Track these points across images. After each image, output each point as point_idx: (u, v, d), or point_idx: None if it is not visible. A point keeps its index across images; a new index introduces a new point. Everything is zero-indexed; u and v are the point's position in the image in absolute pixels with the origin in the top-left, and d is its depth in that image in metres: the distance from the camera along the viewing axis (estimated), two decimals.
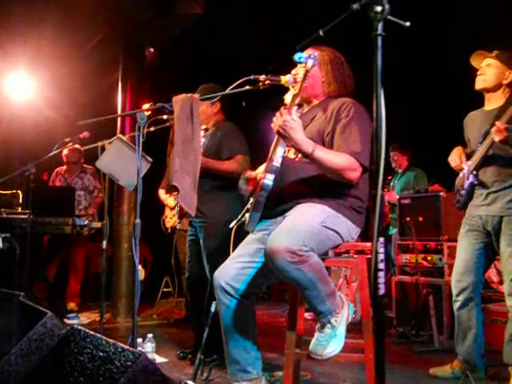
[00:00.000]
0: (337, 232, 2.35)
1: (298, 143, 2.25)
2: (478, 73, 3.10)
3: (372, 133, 2.35)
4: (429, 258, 4.44)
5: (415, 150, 5.80)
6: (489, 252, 3.08)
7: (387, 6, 1.35)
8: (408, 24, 1.37)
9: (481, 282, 3.12)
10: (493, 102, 3.11)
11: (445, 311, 4.12)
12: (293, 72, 2.62)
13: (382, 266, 1.27)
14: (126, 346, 1.74)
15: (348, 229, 2.42)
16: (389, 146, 6.00)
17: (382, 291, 1.25)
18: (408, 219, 4.51)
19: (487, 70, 3.06)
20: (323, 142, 2.44)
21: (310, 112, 2.63)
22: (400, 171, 5.79)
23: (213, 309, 2.89)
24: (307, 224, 2.24)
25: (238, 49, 5.77)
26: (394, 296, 4.63)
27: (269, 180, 2.36)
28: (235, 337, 2.45)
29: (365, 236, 2.57)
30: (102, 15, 5.35)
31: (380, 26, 1.35)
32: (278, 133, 2.27)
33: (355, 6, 1.38)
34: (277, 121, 2.27)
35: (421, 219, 4.48)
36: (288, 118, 2.23)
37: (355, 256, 2.50)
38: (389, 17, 1.36)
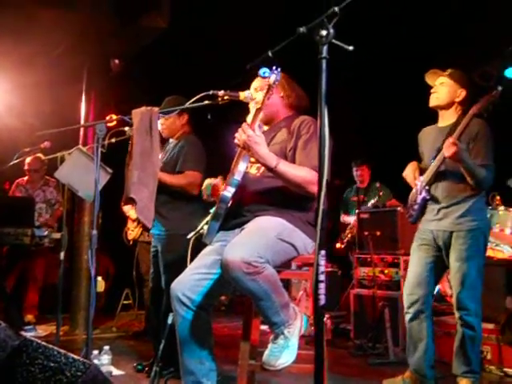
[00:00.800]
0: (292, 245, 2.40)
1: (263, 157, 2.32)
2: (432, 91, 3.22)
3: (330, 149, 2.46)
4: (386, 271, 4.55)
5: (375, 165, 5.95)
6: (439, 266, 3.17)
7: (332, 31, 1.42)
8: (351, 48, 1.44)
9: (431, 294, 3.20)
10: (446, 118, 3.22)
11: (400, 323, 4.21)
12: (252, 86, 2.69)
13: (322, 277, 1.33)
14: (77, 357, 1.75)
15: (304, 243, 2.47)
16: (351, 161, 6.14)
17: (322, 302, 1.30)
18: (366, 233, 4.61)
19: (440, 88, 3.19)
20: (286, 157, 2.52)
21: (272, 129, 2.70)
22: (363, 186, 5.91)
23: (170, 321, 2.90)
24: (263, 236, 2.29)
25: (203, 62, 5.83)
26: (352, 309, 4.72)
27: (229, 192, 2.41)
28: (191, 348, 2.47)
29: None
30: (65, 25, 5.33)
31: (325, 49, 1.42)
32: (243, 147, 2.34)
33: (302, 30, 1.45)
34: (241, 136, 2.33)
35: (378, 233, 4.58)
36: (251, 133, 2.30)
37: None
38: (333, 40, 1.43)
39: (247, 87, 2.71)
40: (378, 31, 5.54)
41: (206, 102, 2.72)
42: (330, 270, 5.52)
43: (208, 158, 3.60)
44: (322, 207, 1.31)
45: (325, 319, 4.86)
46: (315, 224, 2.45)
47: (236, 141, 2.36)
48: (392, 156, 3.44)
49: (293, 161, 2.48)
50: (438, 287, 4.33)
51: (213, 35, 5.62)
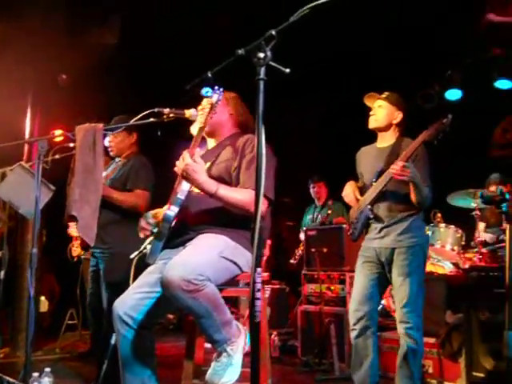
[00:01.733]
0: (235, 263, 2.41)
1: (201, 184, 2.35)
2: (371, 113, 3.32)
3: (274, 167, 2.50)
4: (332, 287, 4.61)
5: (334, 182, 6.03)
6: (383, 282, 3.25)
7: (269, 53, 1.46)
8: (288, 71, 1.48)
9: (376, 310, 3.27)
10: (385, 140, 3.32)
11: (346, 339, 4.25)
12: (202, 104, 2.72)
13: (258, 295, 1.34)
14: (13, 380, 1.70)
15: (247, 260, 2.49)
16: (307, 179, 6.22)
17: (258, 319, 1.32)
18: (313, 250, 4.67)
19: (378, 110, 3.30)
20: (231, 176, 2.54)
21: (218, 147, 2.72)
22: (319, 204, 5.97)
23: (113, 341, 2.85)
24: (205, 254, 2.30)
25: (152, 78, 5.82)
26: (299, 325, 4.75)
27: (172, 211, 2.42)
28: (133, 368, 2.43)
29: None
30: (12, 38, 5.23)
31: (262, 71, 1.46)
32: (182, 176, 2.35)
33: (240, 52, 1.48)
34: (180, 164, 2.35)
35: (325, 250, 4.65)
36: (189, 162, 2.32)
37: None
38: (271, 63, 1.47)
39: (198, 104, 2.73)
40: (333, 49, 5.71)
41: (152, 119, 2.73)
42: (278, 287, 5.55)
43: (157, 177, 3.61)
44: (257, 225, 1.34)
45: (272, 336, 4.90)
46: (252, 242, 2.52)
47: (175, 169, 2.38)
48: (350, 172, 3.53)
49: (237, 180, 2.51)
50: (382, 302, 4.42)
51: (164, 52, 5.64)
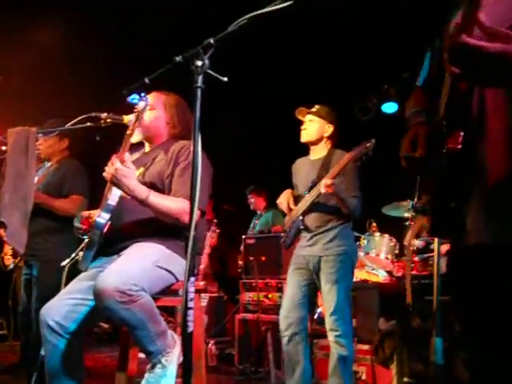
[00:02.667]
0: (170, 272, 2.39)
1: (131, 190, 2.28)
2: (302, 127, 3.43)
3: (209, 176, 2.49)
4: (270, 295, 4.64)
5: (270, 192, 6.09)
6: (313, 289, 3.34)
7: (207, 61, 1.46)
8: (226, 79, 1.49)
9: (306, 317, 3.33)
10: (317, 152, 3.44)
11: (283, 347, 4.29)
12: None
13: (191, 304, 1.33)
14: None
15: (183, 268, 2.45)
16: (246, 189, 6.27)
17: (190, 329, 1.30)
18: (252, 258, 4.69)
19: (310, 124, 3.40)
20: (163, 184, 2.50)
21: (152, 152, 2.68)
22: (259, 212, 6.05)
23: (43, 352, 2.74)
24: (139, 263, 2.26)
25: (89, 81, 5.69)
26: (236, 334, 4.74)
27: (102, 218, 2.36)
28: (60, 379, 2.34)
29: None
30: None
31: (200, 78, 1.45)
32: (111, 182, 2.29)
33: (178, 59, 1.48)
34: (109, 169, 2.28)
35: (263, 258, 4.68)
36: (119, 166, 2.25)
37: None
38: (208, 71, 1.47)
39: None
40: (272, 58, 5.78)
41: (88, 124, 2.67)
42: (216, 295, 5.54)
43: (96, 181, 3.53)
44: (192, 233, 1.33)
45: (209, 345, 4.86)
46: (186, 251, 2.50)
47: (104, 174, 2.32)
48: (288, 181, 3.63)
49: (170, 188, 2.48)
50: (319, 310, 4.48)
51: (104, 55, 5.53)
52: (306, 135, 3.40)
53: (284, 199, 3.45)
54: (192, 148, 1.42)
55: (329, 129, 3.39)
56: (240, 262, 5.62)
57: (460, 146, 1.19)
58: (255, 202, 6.10)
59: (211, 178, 2.59)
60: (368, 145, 3.12)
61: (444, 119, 1.24)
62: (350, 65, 5.86)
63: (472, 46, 1.02)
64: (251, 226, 6.01)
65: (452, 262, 1.45)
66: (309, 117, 3.41)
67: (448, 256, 1.49)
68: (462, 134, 1.20)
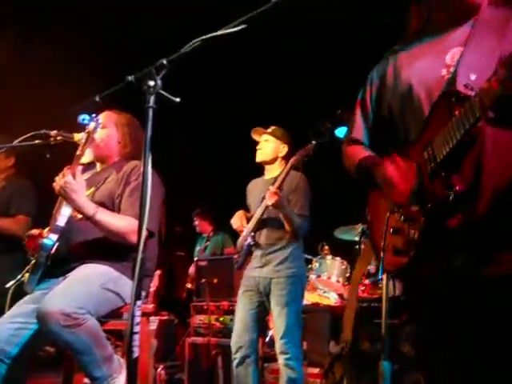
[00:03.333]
0: (118, 294, 2.33)
1: (79, 205, 2.24)
2: (258, 147, 3.47)
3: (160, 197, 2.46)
4: (221, 318, 4.58)
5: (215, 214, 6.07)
6: (263, 311, 3.33)
7: (159, 82, 1.45)
8: (178, 100, 1.48)
9: (256, 340, 3.32)
10: (271, 172, 3.48)
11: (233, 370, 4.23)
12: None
13: (137, 329, 1.30)
14: None
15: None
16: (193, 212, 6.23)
17: (136, 354, 1.27)
18: (203, 281, 4.63)
19: (265, 144, 3.44)
20: (113, 204, 2.46)
21: (104, 172, 2.64)
22: (206, 235, 6.00)
23: None
24: (86, 285, 2.20)
25: (39, 96, 5.57)
26: (187, 358, 4.65)
27: (49, 240, 2.30)
28: None
29: None
30: None
31: (152, 99, 1.44)
32: (59, 194, 2.24)
33: (130, 78, 1.46)
34: (59, 181, 2.23)
35: (215, 281, 4.63)
36: (70, 180, 2.21)
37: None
38: (161, 91, 1.46)
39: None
40: (229, 81, 5.83)
41: (37, 141, 2.60)
42: (166, 318, 5.43)
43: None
44: (139, 256, 1.30)
45: (159, 370, 4.73)
46: (133, 274, 2.44)
47: (54, 184, 2.26)
48: (237, 203, 3.64)
49: (119, 208, 2.44)
50: (270, 332, 4.46)
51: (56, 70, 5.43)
52: (261, 155, 3.45)
53: (237, 219, 3.45)
54: (142, 168, 1.40)
55: (283, 149, 3.43)
56: (188, 285, 5.56)
57: (458, 189, 1.23)
58: (200, 224, 6.07)
59: (162, 198, 2.57)
60: (309, 146, 3.21)
61: (439, 165, 1.28)
62: (304, 88, 5.96)
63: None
64: (197, 248, 5.97)
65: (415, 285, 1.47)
66: (264, 137, 3.45)
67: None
68: (457, 177, 1.25)
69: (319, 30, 5.06)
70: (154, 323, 5.07)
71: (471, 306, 1.28)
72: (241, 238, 3.43)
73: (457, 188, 1.23)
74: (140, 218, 1.34)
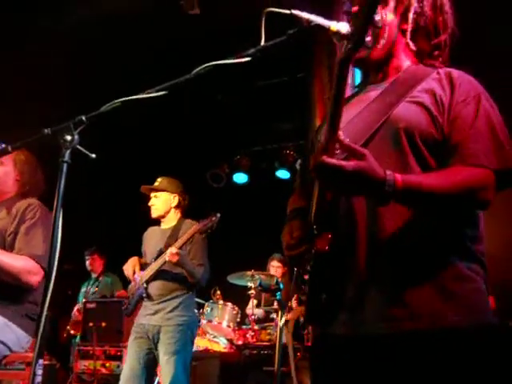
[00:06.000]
0: (3, 342, 2.22)
1: None
2: (150, 204, 3.55)
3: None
4: (107, 364, 4.43)
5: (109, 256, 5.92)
6: (152, 359, 3.32)
7: (76, 137, 1.46)
8: (94, 156, 1.50)
9: None
10: (167, 222, 3.55)
11: None
12: None
13: None
14: None
15: (18, 338, 2.31)
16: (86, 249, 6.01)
17: None
18: (91, 324, 4.47)
19: (155, 200, 3.54)
20: (5, 241, 2.37)
21: None
22: (94, 276, 5.79)
23: None
24: None
25: None
26: None
27: None
28: None
29: None
30: None
31: (67, 153, 1.44)
32: None
33: (46, 131, 1.46)
34: None
35: (104, 324, 4.49)
36: None
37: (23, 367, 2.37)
38: (78, 146, 1.47)
39: None
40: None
41: None
42: (47, 362, 5.12)
43: None
44: (45, 313, 1.28)
45: None
46: (33, 317, 2.34)
47: None
48: (131, 247, 3.64)
49: (12, 246, 2.35)
50: (157, 379, 4.38)
51: None
52: (155, 210, 3.52)
53: (130, 266, 3.44)
54: (52, 221, 1.39)
55: (175, 199, 3.53)
56: (71, 332, 5.28)
57: (327, 248, 1.32)
58: (93, 264, 5.87)
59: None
60: (213, 218, 3.29)
61: (314, 223, 1.36)
62: (203, 135, 6.09)
63: (332, 166, 1.18)
64: (83, 290, 5.75)
65: (317, 347, 1.55)
66: (153, 193, 3.53)
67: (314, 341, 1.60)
68: (330, 236, 1.33)
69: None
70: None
71: (357, 364, 1.37)
72: (132, 285, 3.44)
73: (318, 247, 1.33)
74: (48, 275, 1.32)
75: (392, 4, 1.48)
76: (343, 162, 1.19)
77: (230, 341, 4.82)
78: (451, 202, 1.31)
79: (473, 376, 1.26)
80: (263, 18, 1.41)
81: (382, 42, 1.46)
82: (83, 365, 4.56)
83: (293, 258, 1.47)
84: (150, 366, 3.31)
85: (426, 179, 1.28)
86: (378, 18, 1.25)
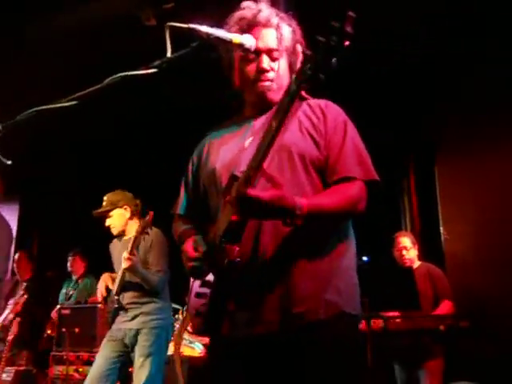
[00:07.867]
0: None
1: None
2: (107, 224, 3.61)
3: None
4: (80, 369, 4.46)
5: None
6: (123, 361, 3.36)
7: None
8: (10, 162, 1.56)
9: None
10: (128, 232, 3.62)
11: None
12: None
13: None
14: None
15: None
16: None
17: None
18: (64, 330, 4.51)
19: (110, 220, 3.60)
20: None
21: None
22: (74, 279, 5.82)
23: None
24: None
25: None
26: None
27: None
28: None
29: None
30: None
31: None
32: None
33: None
34: None
35: (77, 330, 4.52)
36: None
37: None
38: None
39: None
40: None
41: None
42: (23, 368, 5.17)
43: None
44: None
45: None
46: None
47: None
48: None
49: None
50: None
51: None
52: (114, 229, 3.60)
53: (102, 284, 3.55)
54: None
55: (127, 210, 3.57)
56: (48, 332, 5.32)
57: (239, 259, 1.47)
58: (74, 265, 5.86)
59: (10, 239, 2.59)
60: (146, 218, 3.36)
61: (223, 238, 1.51)
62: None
63: (254, 198, 1.35)
64: (63, 291, 5.78)
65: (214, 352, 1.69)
66: (108, 213, 3.58)
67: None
68: (238, 248, 1.47)
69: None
70: (9, 374, 4.83)
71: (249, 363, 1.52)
72: (111, 299, 3.53)
73: (231, 257, 1.46)
74: None
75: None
76: (261, 194, 1.36)
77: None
78: (342, 215, 1.58)
79: None
80: (167, 32, 1.48)
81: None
82: (57, 370, 4.58)
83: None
84: (120, 368, 3.36)
85: (323, 200, 1.52)
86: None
